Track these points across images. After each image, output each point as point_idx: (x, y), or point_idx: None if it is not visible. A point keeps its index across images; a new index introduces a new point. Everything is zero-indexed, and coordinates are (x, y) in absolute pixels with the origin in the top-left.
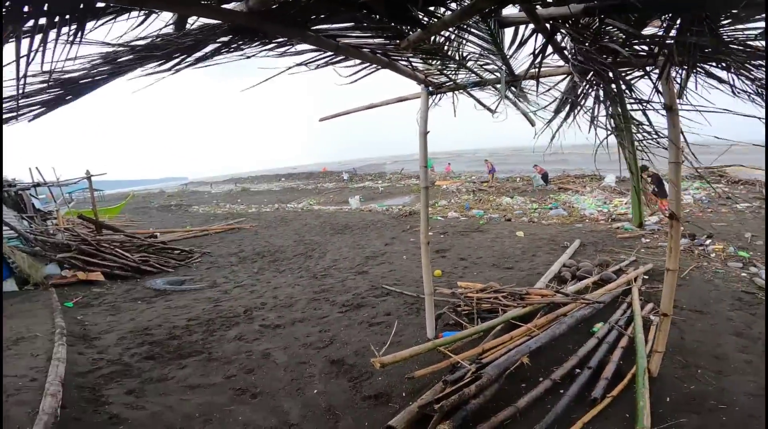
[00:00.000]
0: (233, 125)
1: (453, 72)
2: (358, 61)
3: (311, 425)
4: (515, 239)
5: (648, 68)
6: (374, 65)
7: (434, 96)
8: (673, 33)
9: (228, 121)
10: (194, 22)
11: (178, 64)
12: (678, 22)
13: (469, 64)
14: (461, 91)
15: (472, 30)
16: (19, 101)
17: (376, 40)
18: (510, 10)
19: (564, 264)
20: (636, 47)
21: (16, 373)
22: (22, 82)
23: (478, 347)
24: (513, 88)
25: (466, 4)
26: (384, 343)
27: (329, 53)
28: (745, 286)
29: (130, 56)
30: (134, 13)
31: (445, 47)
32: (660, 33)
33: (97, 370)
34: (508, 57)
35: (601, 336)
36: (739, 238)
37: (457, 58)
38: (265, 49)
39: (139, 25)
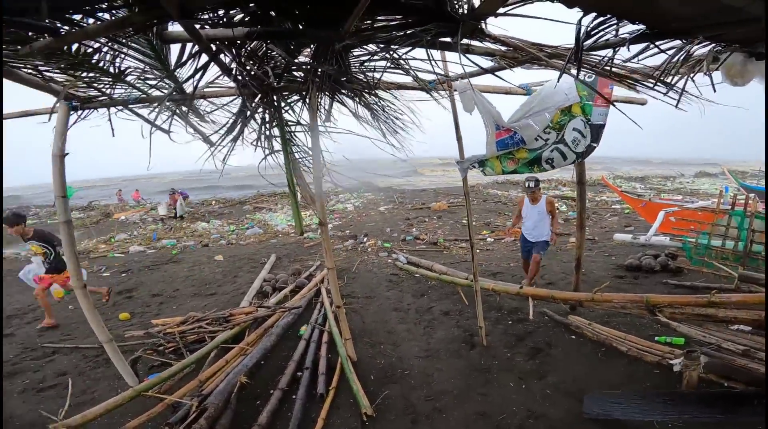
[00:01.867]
0: None
1: (108, 86)
2: None
3: None
4: (215, 264)
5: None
6: None
7: (80, 112)
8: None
9: None
10: None
11: None
12: (320, 53)
13: (130, 78)
14: (122, 108)
15: (132, 44)
16: None
17: None
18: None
19: (264, 279)
20: (295, 73)
21: None
22: None
23: (195, 380)
24: (185, 107)
25: (120, 14)
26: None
27: None
28: (391, 269)
29: None
30: None
31: (95, 58)
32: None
33: None
34: (175, 74)
35: (308, 337)
36: (383, 233)
37: (112, 71)
38: None
39: None
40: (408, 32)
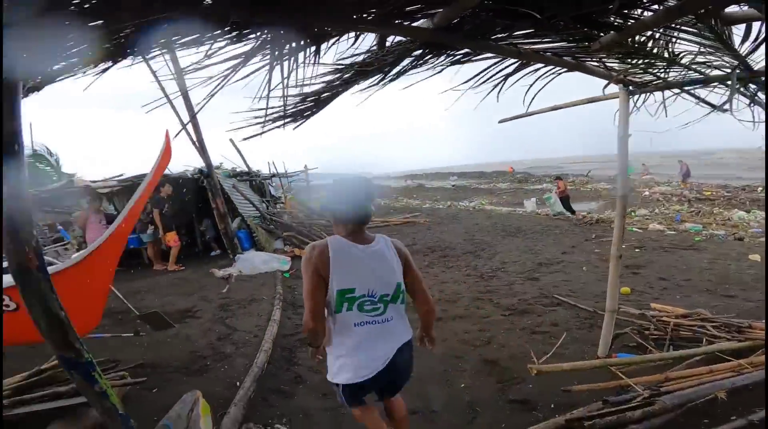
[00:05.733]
0: (404, 124)
1: (662, 70)
2: (540, 65)
3: (450, 415)
4: (746, 263)
5: None
6: (559, 68)
7: (635, 96)
8: None
9: (398, 121)
10: (392, 41)
11: (383, 78)
12: None
13: (684, 61)
14: (678, 91)
15: (684, 28)
16: (285, 112)
17: (561, 44)
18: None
19: None
20: None
21: (245, 329)
22: (287, 97)
23: (659, 374)
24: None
25: (670, 4)
26: (545, 353)
27: (512, 60)
28: None
29: (351, 72)
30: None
31: (649, 46)
32: None
33: (296, 334)
34: (741, 54)
35: None
36: None
37: (666, 56)
38: (451, 60)
39: (351, 46)
40: None
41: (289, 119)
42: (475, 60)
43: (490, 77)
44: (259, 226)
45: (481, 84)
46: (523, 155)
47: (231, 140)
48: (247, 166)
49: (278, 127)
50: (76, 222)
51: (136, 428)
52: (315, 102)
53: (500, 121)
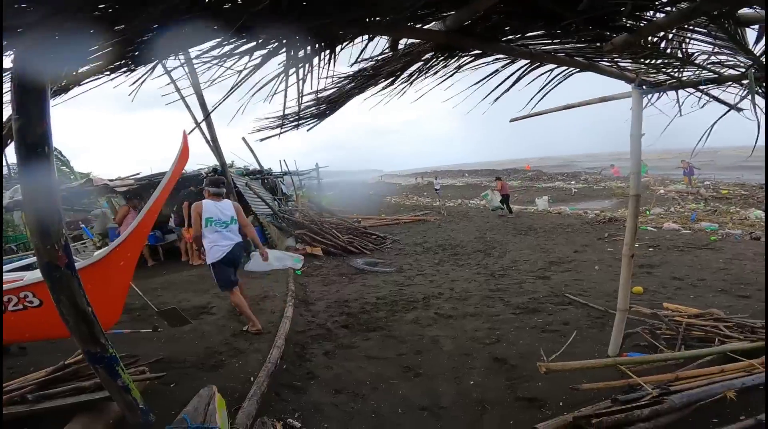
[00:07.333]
0: (414, 121)
1: (676, 70)
2: (553, 66)
3: (459, 411)
4: (763, 264)
5: None
6: (571, 68)
7: (650, 96)
8: None
9: (408, 117)
10: (405, 44)
11: (394, 80)
12: None
13: (698, 60)
14: (692, 90)
15: (696, 29)
16: (300, 115)
17: (572, 45)
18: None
19: None
20: None
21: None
22: (302, 100)
23: (670, 374)
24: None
25: (683, 6)
26: (554, 351)
27: (524, 61)
28: None
29: (364, 76)
30: (359, 39)
31: (662, 45)
32: None
33: (308, 331)
34: (757, 55)
35: None
36: None
37: (679, 55)
38: (463, 63)
39: (363, 50)
40: None
41: (304, 121)
42: (487, 62)
43: (505, 79)
44: (271, 224)
45: (496, 88)
46: (535, 153)
47: (244, 139)
48: (260, 164)
49: (294, 127)
50: (110, 218)
51: (155, 421)
52: (329, 104)
53: (511, 120)
